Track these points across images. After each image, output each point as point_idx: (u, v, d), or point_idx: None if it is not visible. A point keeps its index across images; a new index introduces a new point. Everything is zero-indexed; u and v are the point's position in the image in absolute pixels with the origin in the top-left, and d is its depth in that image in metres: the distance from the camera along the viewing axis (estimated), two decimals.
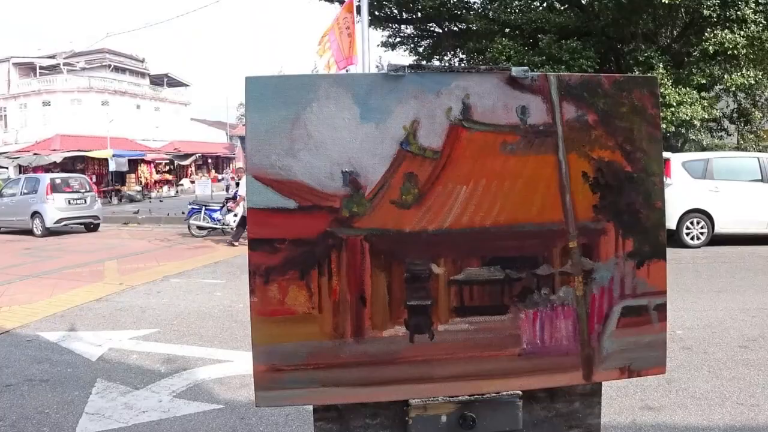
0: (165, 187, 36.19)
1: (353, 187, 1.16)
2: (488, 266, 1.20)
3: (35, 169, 28.98)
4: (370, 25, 13.57)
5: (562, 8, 17.52)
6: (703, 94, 14.67)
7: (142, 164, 34.42)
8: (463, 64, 19.60)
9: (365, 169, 1.16)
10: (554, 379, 1.22)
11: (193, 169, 41.36)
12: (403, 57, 22.55)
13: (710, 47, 13.71)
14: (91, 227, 16.57)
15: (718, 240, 11.03)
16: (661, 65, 14.39)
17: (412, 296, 1.19)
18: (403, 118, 1.16)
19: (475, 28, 17.88)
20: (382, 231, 1.17)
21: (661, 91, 13.10)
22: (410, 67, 1.17)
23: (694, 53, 14.92)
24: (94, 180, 30.11)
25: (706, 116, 14.73)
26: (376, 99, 1.16)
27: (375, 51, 22.65)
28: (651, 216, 1.26)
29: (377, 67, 21.78)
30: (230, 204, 14.76)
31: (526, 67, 1.19)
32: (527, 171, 1.20)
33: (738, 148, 19.02)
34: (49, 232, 15.60)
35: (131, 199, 29.06)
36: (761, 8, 13.45)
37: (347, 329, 1.17)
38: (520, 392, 1.22)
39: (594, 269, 1.23)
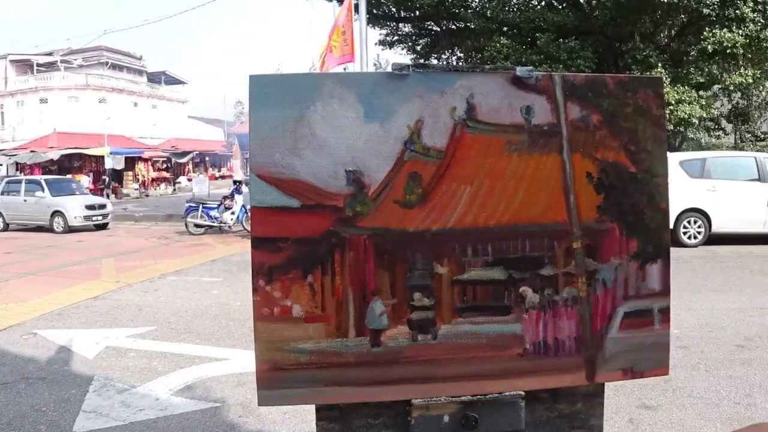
0: (162, 185, 36.12)
1: (357, 187, 1.15)
2: (491, 266, 1.20)
3: (32, 167, 28.88)
4: (367, 24, 13.57)
5: (560, 7, 17.51)
6: (701, 93, 14.69)
7: (139, 162, 34.34)
8: (461, 63, 19.60)
9: (369, 169, 1.15)
10: (557, 379, 1.22)
11: (191, 167, 41.28)
12: (400, 56, 22.54)
13: (709, 46, 13.73)
14: None
15: (715, 239, 11.06)
16: (659, 64, 14.41)
17: (415, 296, 1.18)
18: (408, 117, 1.16)
19: (473, 26, 17.88)
20: (386, 230, 1.17)
21: None
22: (415, 66, 1.17)
23: (693, 52, 14.92)
24: (92, 177, 30.09)
25: (705, 115, 14.76)
26: (380, 98, 1.15)
27: (372, 49, 22.60)
28: (655, 217, 1.26)
29: (375, 65, 21.74)
30: (227, 202, 14.78)
31: (530, 67, 1.19)
32: (531, 171, 1.20)
33: (735, 148, 19.08)
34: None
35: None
36: (760, 7, 13.47)
37: (350, 329, 1.17)
38: (523, 393, 1.22)
39: (597, 270, 1.23)
